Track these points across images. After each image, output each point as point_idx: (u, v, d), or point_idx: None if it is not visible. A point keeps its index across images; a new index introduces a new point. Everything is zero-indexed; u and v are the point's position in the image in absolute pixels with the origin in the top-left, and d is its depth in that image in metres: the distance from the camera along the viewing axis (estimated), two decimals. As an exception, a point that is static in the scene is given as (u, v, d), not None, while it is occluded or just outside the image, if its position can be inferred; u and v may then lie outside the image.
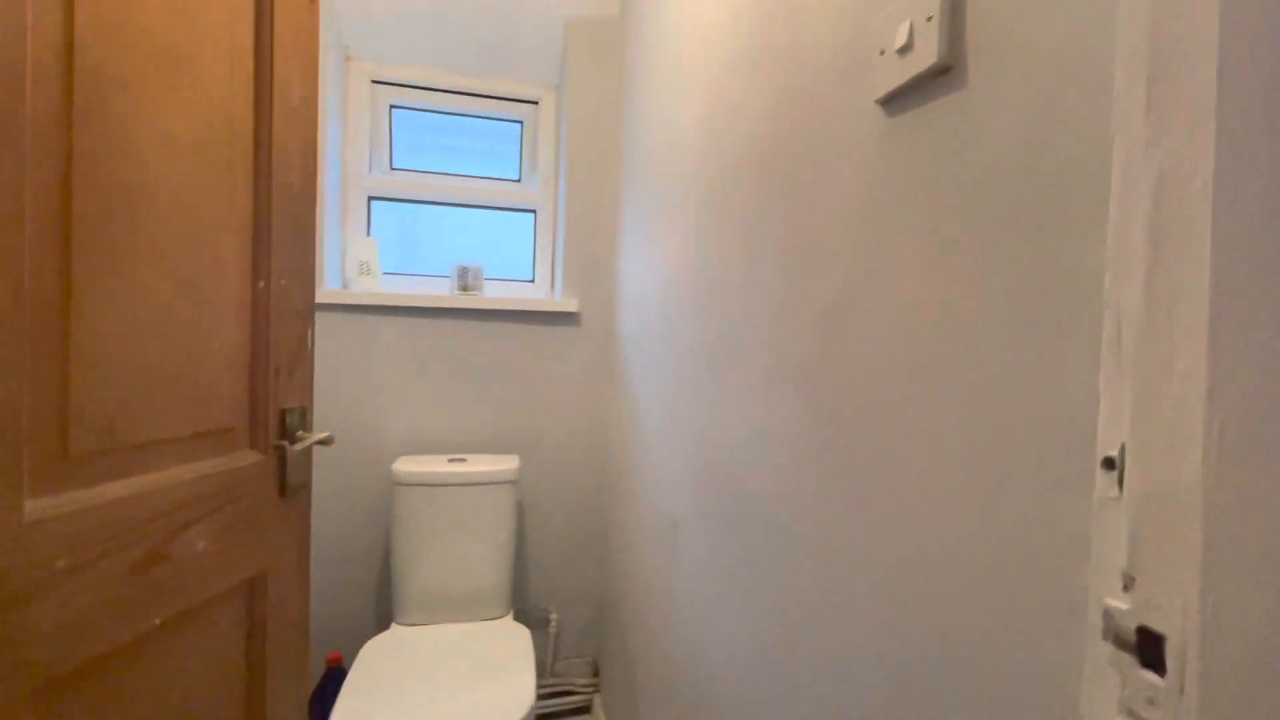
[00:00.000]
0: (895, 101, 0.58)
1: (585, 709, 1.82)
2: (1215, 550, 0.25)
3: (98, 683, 0.53)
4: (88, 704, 0.52)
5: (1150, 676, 0.27)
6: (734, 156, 0.96)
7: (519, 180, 1.97)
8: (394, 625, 1.47)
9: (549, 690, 1.79)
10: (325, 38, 1.59)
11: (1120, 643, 0.28)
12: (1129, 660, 0.28)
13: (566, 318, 1.78)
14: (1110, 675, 0.29)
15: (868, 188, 0.62)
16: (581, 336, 1.79)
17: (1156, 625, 0.27)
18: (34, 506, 0.47)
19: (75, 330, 0.50)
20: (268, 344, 0.72)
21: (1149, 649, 0.27)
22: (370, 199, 1.82)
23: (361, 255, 1.70)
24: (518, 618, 1.69)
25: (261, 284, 0.71)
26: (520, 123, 1.97)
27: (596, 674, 1.83)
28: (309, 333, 0.80)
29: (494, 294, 1.85)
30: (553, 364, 1.78)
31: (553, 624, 1.78)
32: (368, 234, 1.80)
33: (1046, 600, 0.40)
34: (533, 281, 1.95)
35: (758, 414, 0.85)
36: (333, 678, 1.47)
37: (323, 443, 0.79)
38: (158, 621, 0.58)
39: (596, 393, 1.81)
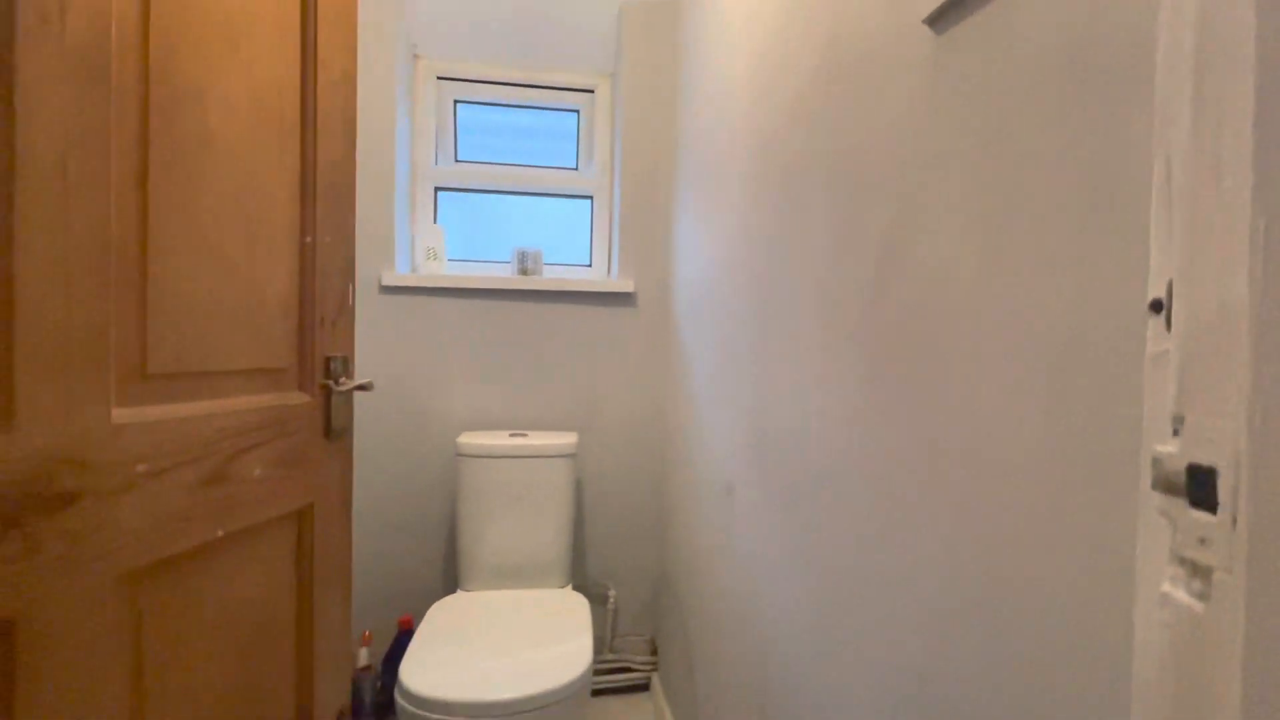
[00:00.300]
0: (942, 18, 0.57)
1: (643, 686, 1.83)
2: (1264, 368, 0.24)
3: (169, 581, 0.58)
4: (161, 599, 0.58)
5: (1200, 516, 0.26)
6: (783, 108, 0.95)
7: (576, 168, 2.02)
8: (459, 591, 1.53)
9: (608, 666, 1.81)
10: (395, 38, 1.69)
11: (1170, 488, 0.27)
12: (1179, 504, 0.27)
13: (622, 298, 1.81)
14: (1161, 526, 0.28)
15: (918, 112, 0.61)
16: (637, 316, 1.82)
17: (1206, 460, 0.26)
18: (119, 414, 0.53)
19: (151, 267, 0.56)
20: (314, 295, 0.78)
21: (1198, 488, 0.26)
22: (436, 189, 1.91)
23: (429, 242, 1.79)
24: (577, 591, 1.72)
25: (308, 239, 0.77)
26: (577, 111, 2.02)
27: (655, 652, 1.84)
28: (350, 289, 0.85)
29: (552, 276, 1.90)
30: (609, 344, 1.81)
31: (611, 600, 1.80)
32: (434, 222, 1.89)
33: (1109, 504, 0.38)
34: (590, 266, 1.99)
35: (809, 369, 0.84)
36: (403, 639, 1.55)
37: (362, 388, 0.84)
38: (220, 534, 0.63)
39: (653, 371, 1.83)
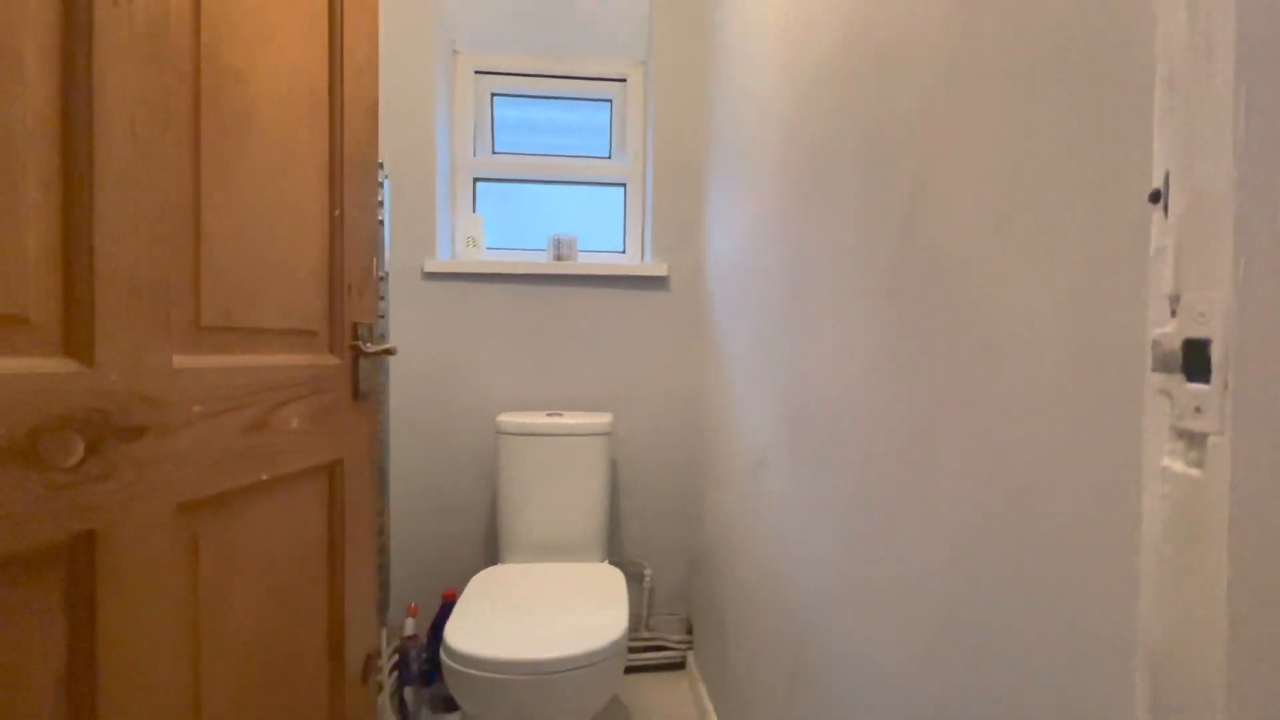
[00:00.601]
0: (965, -32, 0.58)
1: (679, 665, 1.86)
2: (1247, 240, 0.25)
3: (220, 514, 0.64)
4: (213, 530, 0.63)
5: (1196, 387, 0.27)
6: (811, 72, 0.97)
7: (609, 157, 2.06)
8: (499, 564, 1.59)
9: (643, 644, 1.84)
10: (434, 34, 1.76)
11: (1168, 365, 0.29)
12: (1177, 380, 0.28)
13: (656, 282, 1.84)
14: (1161, 405, 0.29)
15: (944, 53, 0.62)
16: (670, 299, 1.84)
17: (1200, 333, 0.27)
18: (178, 360, 0.58)
19: (203, 229, 0.61)
20: (342, 264, 0.83)
21: (1194, 362, 0.27)
22: (475, 180, 1.97)
23: (468, 230, 1.86)
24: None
25: (336, 212, 0.82)
26: (610, 101, 2.05)
27: (690, 632, 1.86)
28: (374, 261, 0.90)
29: (587, 261, 1.94)
30: (643, 327, 1.84)
31: (647, 579, 1.83)
32: (473, 211, 1.95)
33: (1122, 416, 0.39)
34: (624, 253, 2.02)
35: (839, 330, 0.86)
36: (447, 610, 1.61)
37: (388, 352, 0.89)
38: (264, 477, 0.69)
39: (685, 353, 1.85)
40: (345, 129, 0.83)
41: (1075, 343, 0.43)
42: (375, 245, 0.91)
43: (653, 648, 1.85)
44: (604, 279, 1.83)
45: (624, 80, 2.02)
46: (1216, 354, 0.26)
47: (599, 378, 1.83)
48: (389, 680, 1.56)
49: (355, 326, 0.86)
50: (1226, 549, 0.25)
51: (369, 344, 0.87)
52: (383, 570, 1.52)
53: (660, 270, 1.82)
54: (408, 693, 1.58)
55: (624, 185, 2.03)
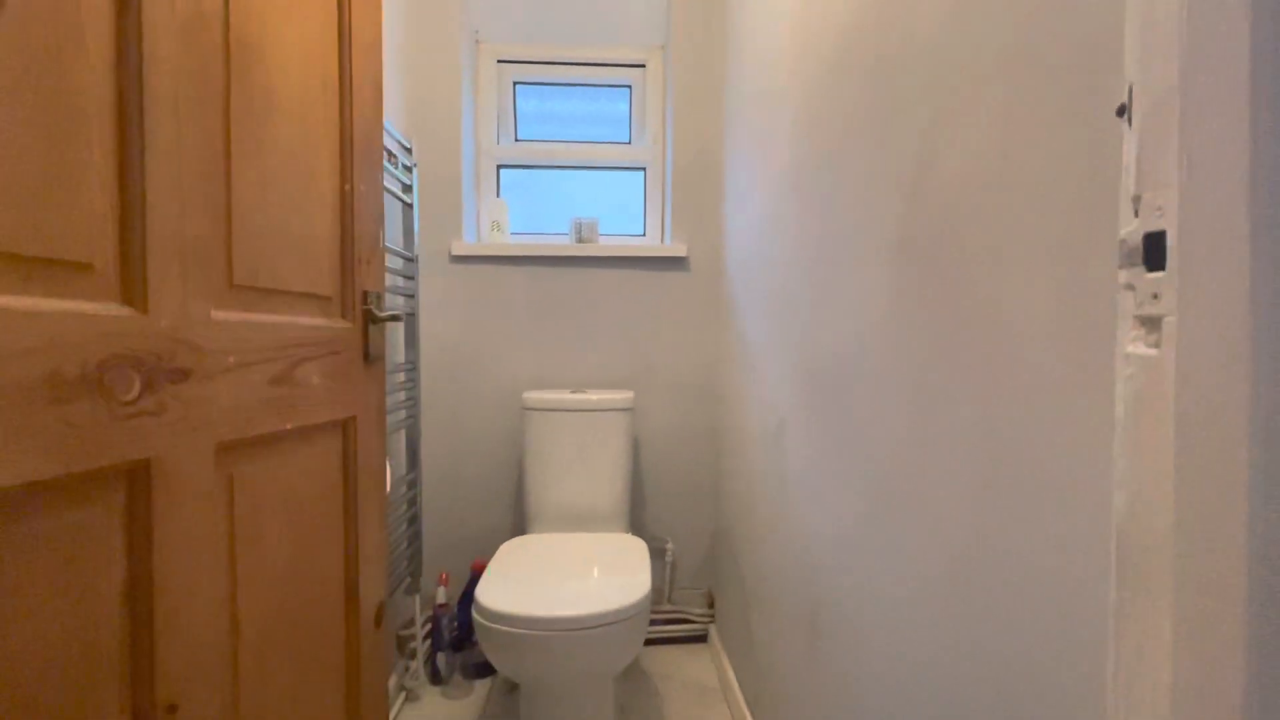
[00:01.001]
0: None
1: (701, 637, 1.90)
2: (1188, 138, 0.28)
3: (251, 456, 0.69)
4: (245, 471, 0.68)
5: (1154, 275, 0.30)
6: (826, 50, 0.99)
7: (628, 142, 2.09)
8: (527, 534, 1.64)
9: (666, 617, 1.89)
10: (459, 25, 1.81)
11: (1131, 259, 0.32)
12: (1138, 271, 0.31)
13: (675, 262, 1.87)
14: (1127, 297, 0.32)
15: (946, 33, 0.65)
16: (690, 279, 1.88)
17: (1157, 226, 0.30)
18: (215, 313, 0.64)
19: (233, 194, 0.66)
20: (353, 236, 0.88)
21: (1153, 254, 0.30)
22: (499, 167, 2.02)
23: (493, 215, 1.91)
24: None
25: (347, 186, 0.87)
26: (629, 87, 2.09)
27: (712, 605, 1.90)
28: (380, 233, 0.95)
29: (608, 243, 1.98)
30: (663, 306, 1.87)
31: (669, 553, 1.87)
32: (497, 196, 2.01)
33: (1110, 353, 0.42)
34: (644, 236, 2.06)
35: (852, 291, 0.89)
36: (476, 579, 1.67)
37: (395, 318, 0.94)
38: (288, 426, 0.74)
39: (705, 331, 1.88)
40: (354, 107, 0.88)
41: (1065, 280, 0.46)
42: (381, 219, 0.96)
43: (676, 620, 1.89)
44: (625, 260, 1.87)
45: (643, 66, 2.05)
46: (1171, 245, 0.29)
47: (621, 356, 1.87)
48: (422, 647, 1.63)
49: (365, 294, 0.91)
50: (1173, 419, 0.28)
51: (378, 310, 0.92)
52: (414, 540, 1.59)
53: (680, 251, 1.86)
54: (440, 658, 1.65)
55: (644, 169, 2.07)
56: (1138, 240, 0.31)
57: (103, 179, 0.52)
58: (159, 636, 0.56)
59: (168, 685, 0.57)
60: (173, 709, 0.57)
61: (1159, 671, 0.29)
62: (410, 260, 1.57)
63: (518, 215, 2.04)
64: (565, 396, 1.67)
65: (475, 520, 1.85)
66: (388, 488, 1.23)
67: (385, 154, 1.43)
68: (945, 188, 0.64)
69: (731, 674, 1.59)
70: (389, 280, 1.50)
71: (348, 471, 0.89)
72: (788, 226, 1.19)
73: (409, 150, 1.56)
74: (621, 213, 2.10)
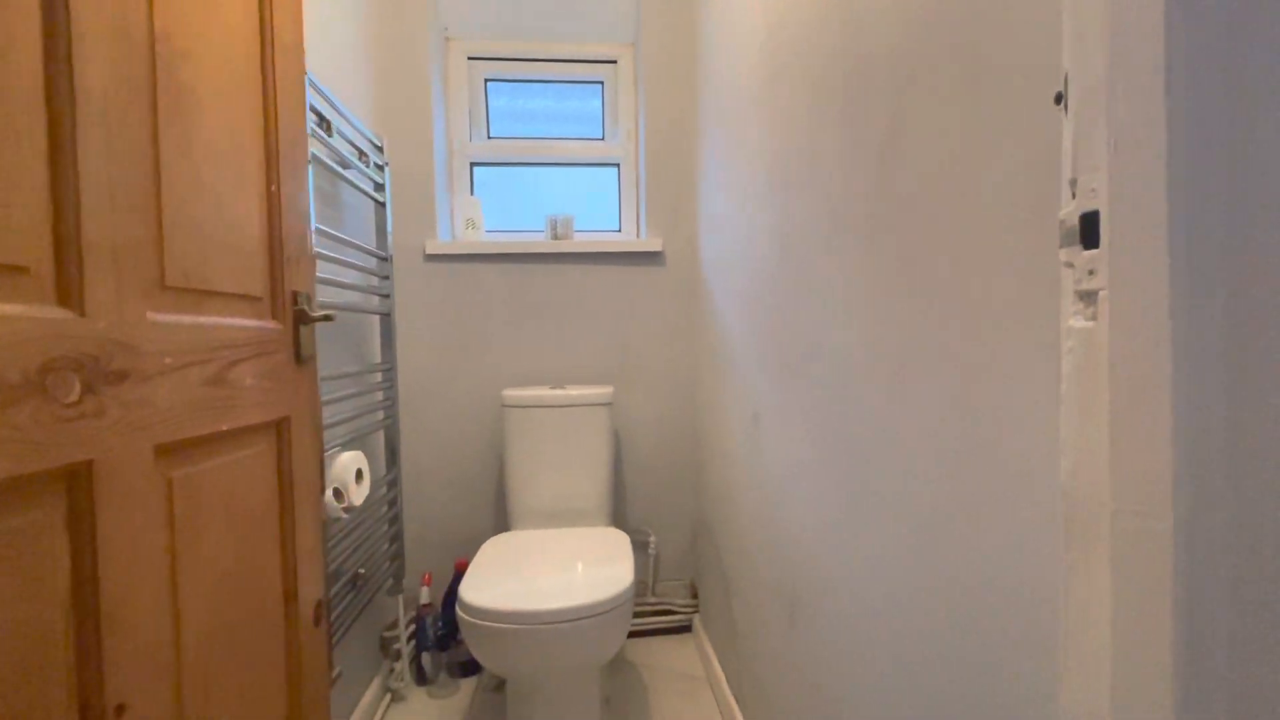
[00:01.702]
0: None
1: (686, 628, 1.92)
2: (1115, 122, 0.30)
3: (188, 458, 0.69)
4: (184, 472, 0.68)
5: (1090, 253, 0.32)
6: (794, 38, 1.01)
7: (602, 138, 2.10)
8: (509, 531, 1.65)
9: (651, 609, 1.90)
10: (427, 22, 1.80)
11: (1069, 239, 0.34)
12: (1076, 250, 0.33)
13: (651, 257, 1.89)
14: (1068, 274, 0.34)
15: (907, 31, 0.66)
16: (665, 273, 1.89)
17: (1091, 206, 0.32)
18: (151, 314, 0.63)
19: (163, 196, 0.66)
20: (281, 237, 0.88)
21: (1088, 233, 0.32)
22: (472, 164, 2.01)
23: (467, 213, 1.90)
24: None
25: (274, 187, 0.87)
26: (601, 83, 2.09)
27: (695, 595, 1.92)
28: (308, 233, 0.95)
29: (584, 239, 1.98)
30: (640, 301, 1.89)
31: (652, 546, 1.89)
32: (471, 194, 2.00)
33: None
34: (619, 232, 2.07)
35: (822, 282, 0.91)
36: (459, 579, 1.67)
37: (327, 318, 0.94)
38: (224, 427, 0.74)
39: (682, 325, 1.90)
40: (279, 108, 0.88)
41: (1024, 262, 0.48)
42: (308, 218, 0.96)
43: (660, 612, 1.91)
44: (601, 256, 1.88)
45: (614, 62, 2.06)
46: (1104, 224, 0.31)
47: (600, 351, 1.88)
48: (407, 647, 1.63)
49: (295, 294, 0.91)
50: (1108, 386, 0.30)
51: (308, 310, 0.92)
52: (395, 540, 1.58)
53: (655, 245, 1.87)
54: (425, 658, 1.65)
55: (617, 165, 2.08)
56: (1075, 220, 0.33)
57: (35, 181, 0.52)
58: (106, 637, 0.56)
59: (116, 685, 0.57)
60: (121, 709, 0.58)
61: (1100, 627, 0.31)
62: (384, 260, 1.56)
63: (493, 213, 2.03)
64: (545, 393, 1.67)
65: (458, 519, 1.85)
66: (339, 492, 1.23)
67: (356, 153, 1.42)
68: (910, 174, 0.66)
69: (716, 663, 1.61)
70: (363, 280, 1.49)
71: (283, 472, 0.89)
72: (759, 218, 1.21)
73: (380, 149, 1.54)
74: (597, 209, 2.11)
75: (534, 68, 2.05)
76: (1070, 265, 0.34)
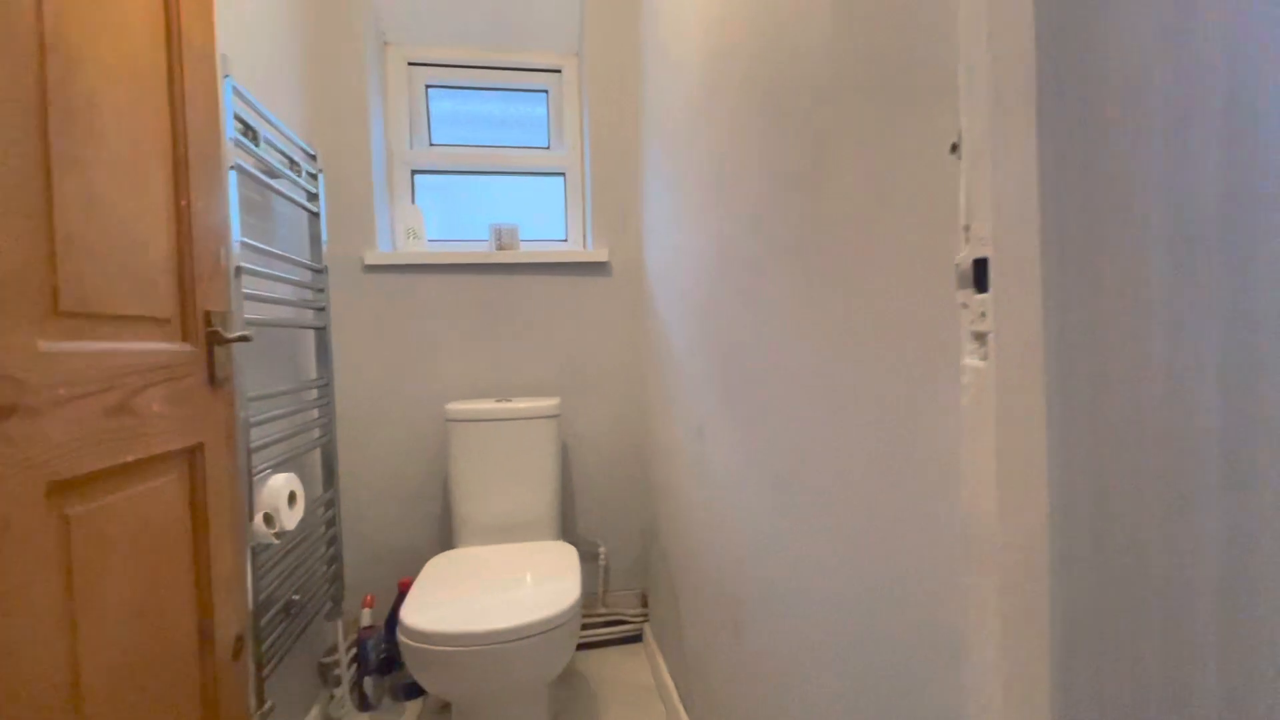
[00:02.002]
0: (841, -39, 0.65)
1: (637, 637, 1.92)
2: (1002, 173, 0.32)
3: (89, 495, 0.65)
4: (84, 510, 0.64)
5: (982, 296, 0.34)
6: (727, 60, 1.03)
7: (547, 147, 2.09)
8: (454, 549, 1.61)
9: (601, 620, 1.90)
10: (363, 27, 1.75)
11: (964, 282, 0.36)
12: (969, 292, 0.35)
13: (597, 267, 1.89)
14: (963, 314, 0.36)
15: (826, 42, 0.69)
16: (612, 284, 1.89)
17: (982, 253, 0.34)
18: (42, 344, 0.59)
19: (55, 217, 0.62)
20: (192, 254, 0.84)
21: (979, 276, 0.34)
22: (413, 172, 1.97)
23: (408, 222, 1.86)
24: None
25: (184, 202, 0.83)
26: (546, 92, 2.08)
27: (646, 604, 1.93)
28: (222, 251, 0.92)
29: (529, 250, 1.97)
30: (587, 311, 1.88)
31: (602, 557, 1.89)
32: (412, 203, 1.95)
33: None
34: (566, 241, 2.06)
35: (759, 296, 0.93)
36: (403, 599, 1.63)
37: (243, 339, 0.91)
38: (130, 459, 0.70)
39: (629, 335, 1.91)
40: (188, 117, 0.83)
41: (937, 287, 0.51)
42: (224, 234, 0.92)
43: (611, 622, 1.91)
44: (546, 266, 1.86)
45: (559, 71, 2.05)
46: (993, 270, 0.33)
47: (546, 363, 1.87)
48: (348, 673, 1.57)
49: (208, 315, 0.87)
50: (994, 423, 0.32)
51: (223, 331, 0.89)
52: (334, 562, 1.53)
53: (601, 256, 1.87)
54: (367, 683, 1.60)
55: (563, 174, 2.07)
56: (968, 264, 0.35)
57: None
58: (-1, 699, 0.52)
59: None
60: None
61: (988, 648, 0.33)
62: (319, 272, 1.50)
63: (437, 222, 1.99)
64: (490, 406, 1.65)
65: (401, 537, 1.80)
66: (270, 517, 1.18)
67: (287, 162, 1.37)
68: (832, 205, 0.69)
69: (666, 672, 1.62)
70: (296, 294, 1.43)
71: (197, 502, 0.85)
72: (698, 235, 1.23)
73: (313, 157, 1.49)
74: (543, 217, 2.09)
75: (477, 75, 2.02)
76: (965, 306, 0.36)
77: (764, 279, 0.90)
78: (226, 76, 1.02)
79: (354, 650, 1.62)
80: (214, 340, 0.88)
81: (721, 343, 1.12)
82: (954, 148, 0.37)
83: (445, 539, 1.81)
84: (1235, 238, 0.29)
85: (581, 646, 1.86)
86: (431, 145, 2.01)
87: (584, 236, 2.01)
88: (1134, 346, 0.28)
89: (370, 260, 1.75)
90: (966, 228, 0.35)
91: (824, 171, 0.70)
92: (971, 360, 0.35)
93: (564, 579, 1.34)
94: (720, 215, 1.09)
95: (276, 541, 1.14)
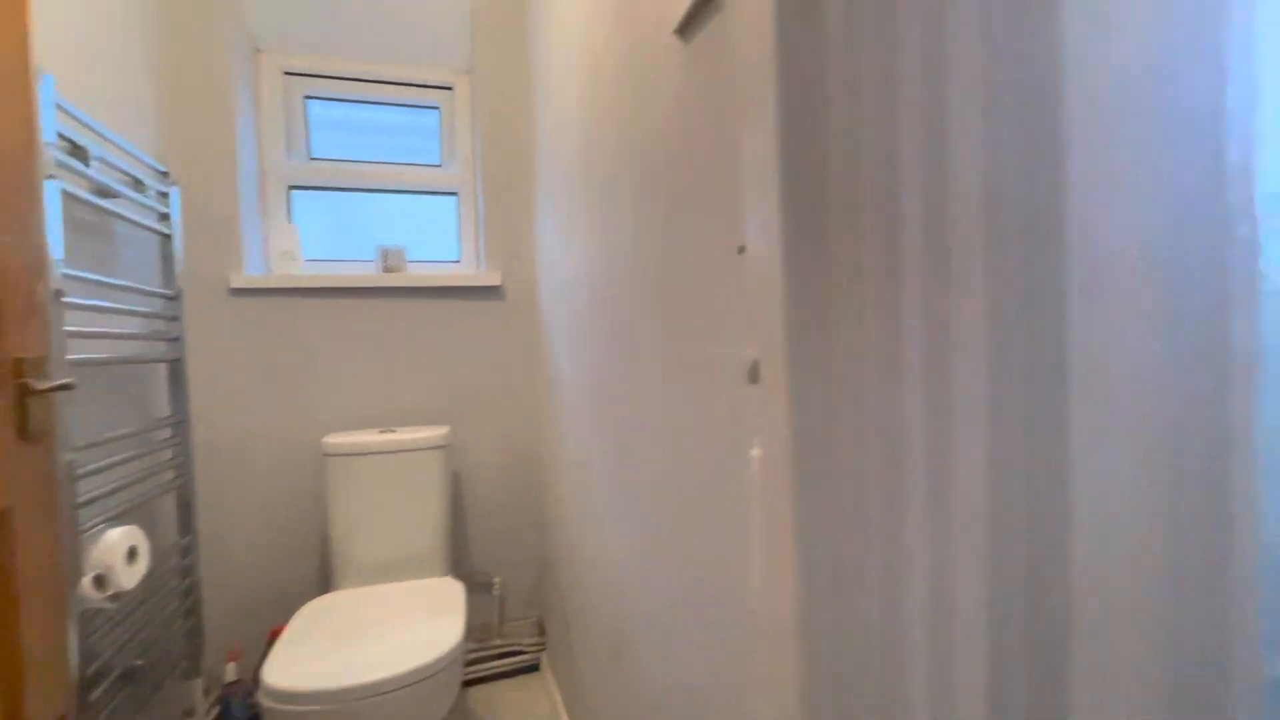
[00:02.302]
0: (687, 28, 0.68)
1: (534, 667, 1.89)
2: (763, 293, 0.34)
3: None
4: None
5: (759, 391, 0.36)
6: (598, 105, 1.05)
7: (440, 165, 2.03)
8: (332, 591, 1.52)
9: (498, 651, 1.85)
10: (229, 33, 1.63)
11: (751, 378, 0.38)
12: (752, 387, 0.37)
13: (490, 291, 1.85)
14: (748, 409, 0.38)
15: (678, 109, 0.71)
16: (505, 308, 1.87)
17: (757, 355, 0.36)
18: None
19: None
20: None
21: (757, 375, 0.37)
22: (290, 188, 1.86)
23: (283, 242, 1.75)
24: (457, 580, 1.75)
25: None
26: (437, 108, 2.03)
27: (543, 633, 1.90)
28: (40, 286, 0.83)
29: (418, 272, 1.90)
30: (479, 337, 1.84)
31: (496, 587, 1.84)
32: (289, 221, 1.84)
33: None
34: (459, 262, 2.01)
35: (619, 334, 0.94)
36: (275, 648, 1.51)
37: (64, 387, 0.82)
38: None
39: (522, 361, 1.88)
40: None
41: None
42: (40, 268, 0.82)
43: (507, 654, 1.87)
44: (437, 290, 1.81)
45: (450, 88, 2.00)
46: (763, 370, 0.35)
47: (436, 390, 1.81)
48: (211, 733, 1.44)
49: (19, 363, 0.78)
50: (761, 494, 0.34)
51: (37, 380, 0.80)
52: (190, 615, 1.40)
53: (494, 280, 1.84)
54: (233, 743, 1.47)
55: (456, 194, 2.02)
56: (750, 362, 0.37)
57: None
58: None
59: None
60: None
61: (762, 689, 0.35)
62: (171, 299, 1.38)
63: (321, 241, 1.88)
64: (372, 438, 1.57)
65: (273, 582, 1.67)
66: (102, 578, 1.07)
67: (130, 181, 1.25)
68: (681, 264, 0.71)
69: (560, 702, 1.60)
70: (145, 324, 1.31)
71: (3, 574, 0.75)
72: (582, 261, 1.24)
73: (165, 174, 1.37)
74: (436, 237, 2.03)
75: (362, 88, 1.94)
76: (749, 400, 0.38)
77: (627, 317, 0.92)
78: (45, 91, 0.91)
79: (217, 710, 1.49)
80: (24, 393, 0.78)
81: (594, 375, 1.13)
82: (741, 249, 0.39)
83: (325, 580, 1.71)
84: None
85: (477, 681, 1.81)
86: (312, 160, 1.91)
87: (478, 259, 1.97)
88: (857, 451, 0.31)
89: (237, 284, 1.63)
90: (751, 329, 0.37)
91: (676, 225, 0.73)
92: (755, 451, 0.37)
93: (446, 621, 1.29)
94: (595, 250, 1.10)
95: (111, 605, 1.03)
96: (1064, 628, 0.28)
